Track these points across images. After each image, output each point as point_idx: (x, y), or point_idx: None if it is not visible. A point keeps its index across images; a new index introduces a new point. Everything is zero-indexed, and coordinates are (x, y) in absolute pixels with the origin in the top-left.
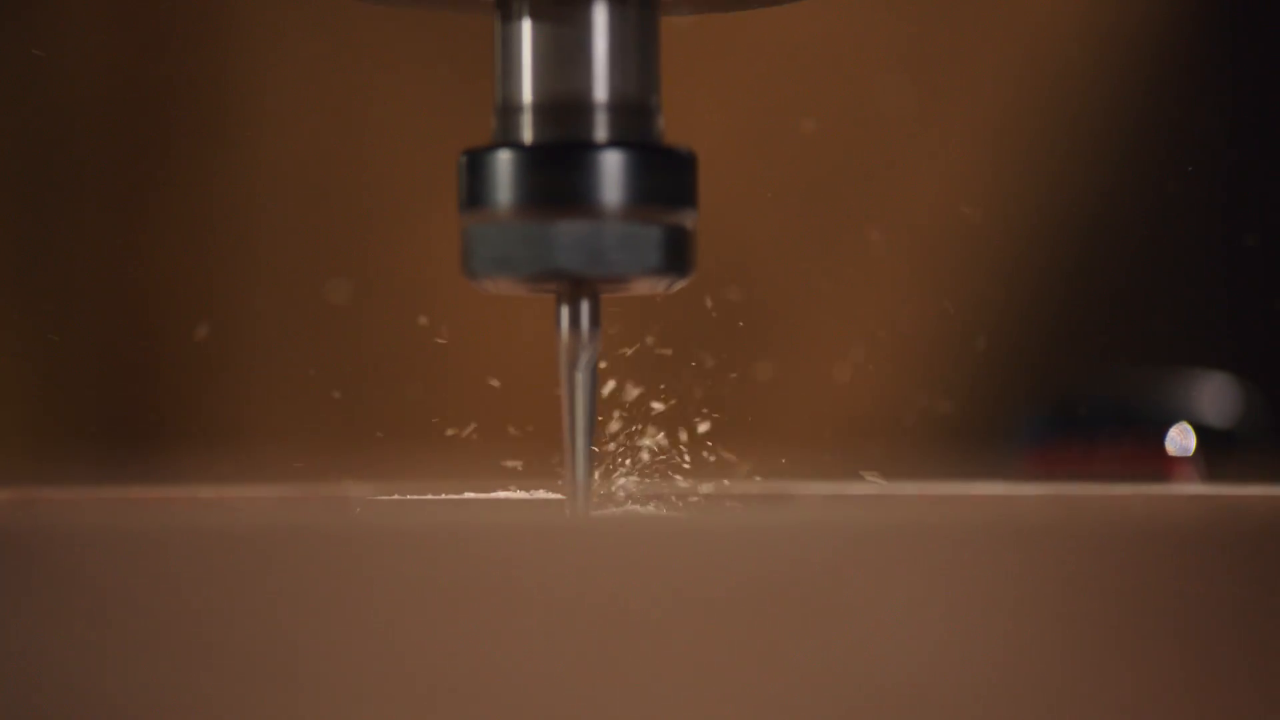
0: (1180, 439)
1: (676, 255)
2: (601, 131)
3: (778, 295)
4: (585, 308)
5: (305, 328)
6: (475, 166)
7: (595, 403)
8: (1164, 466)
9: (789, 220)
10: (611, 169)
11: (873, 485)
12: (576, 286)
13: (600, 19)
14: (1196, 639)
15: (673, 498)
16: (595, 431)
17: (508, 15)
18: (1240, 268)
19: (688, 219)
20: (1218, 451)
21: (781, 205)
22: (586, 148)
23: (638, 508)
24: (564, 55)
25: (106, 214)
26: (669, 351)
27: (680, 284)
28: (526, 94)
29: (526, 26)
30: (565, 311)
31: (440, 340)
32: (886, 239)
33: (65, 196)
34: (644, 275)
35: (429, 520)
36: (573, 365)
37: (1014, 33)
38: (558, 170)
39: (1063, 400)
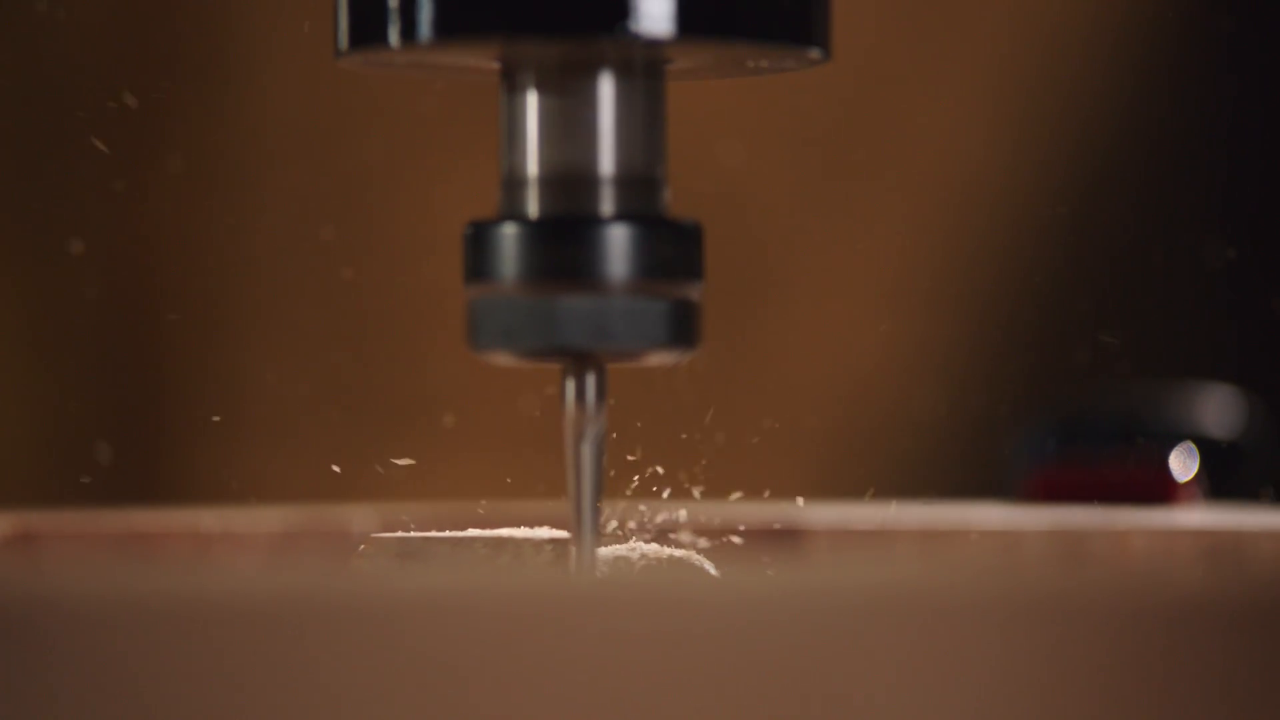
0: (1181, 467)
1: (683, 329)
2: (607, 205)
3: (773, 274)
4: (591, 382)
5: (306, 329)
6: (480, 240)
7: (602, 475)
8: (1166, 486)
9: (787, 191)
10: (617, 243)
11: (879, 511)
12: (582, 361)
13: (606, 91)
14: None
15: (673, 534)
16: (601, 502)
17: (512, 87)
18: (1243, 272)
19: (694, 291)
20: (1222, 465)
21: (780, 173)
22: (591, 222)
23: (641, 544)
24: (569, 128)
25: (103, 210)
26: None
27: (688, 356)
28: (531, 166)
29: (531, 98)
30: (571, 385)
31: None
32: (878, 241)
33: (63, 190)
34: (650, 350)
35: (428, 585)
36: (579, 439)
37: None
38: (562, 245)
39: (1061, 413)
